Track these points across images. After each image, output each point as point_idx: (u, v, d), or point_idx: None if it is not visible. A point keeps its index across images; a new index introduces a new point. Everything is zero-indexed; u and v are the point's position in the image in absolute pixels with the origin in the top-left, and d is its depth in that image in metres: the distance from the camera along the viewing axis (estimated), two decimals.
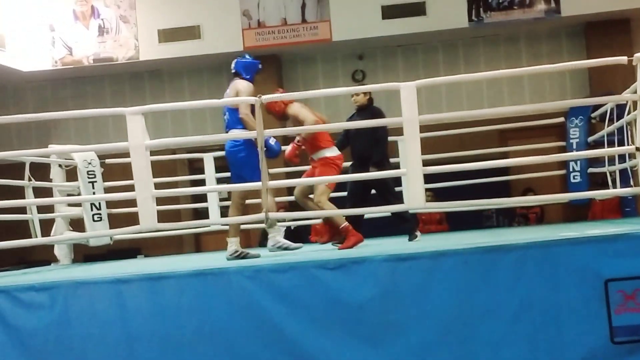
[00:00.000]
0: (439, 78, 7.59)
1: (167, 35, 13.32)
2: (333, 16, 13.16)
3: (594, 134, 10.24)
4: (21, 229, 8.93)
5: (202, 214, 11.11)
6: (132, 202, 6.74)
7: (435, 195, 10.40)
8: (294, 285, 5.50)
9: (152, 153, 6.72)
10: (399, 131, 6.67)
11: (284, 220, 10.18)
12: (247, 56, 7.56)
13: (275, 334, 5.47)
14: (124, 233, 7.60)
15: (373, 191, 8.33)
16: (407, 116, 6.26)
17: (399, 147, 9.80)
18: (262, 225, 8.65)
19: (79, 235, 9.25)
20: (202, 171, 10.65)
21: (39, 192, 9.17)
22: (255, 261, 6.36)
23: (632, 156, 7.64)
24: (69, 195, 9.68)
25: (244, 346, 5.49)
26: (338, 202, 7.83)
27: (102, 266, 8.42)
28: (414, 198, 6.37)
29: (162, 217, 6.82)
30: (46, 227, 9.42)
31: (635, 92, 6.54)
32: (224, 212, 10.34)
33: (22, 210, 9.00)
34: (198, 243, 13.90)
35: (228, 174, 9.50)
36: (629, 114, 7.81)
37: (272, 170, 6.91)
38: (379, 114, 8.03)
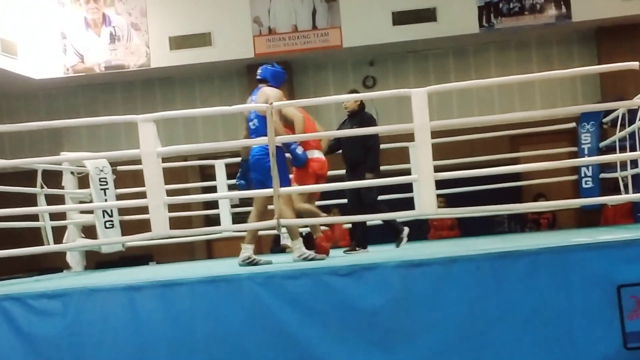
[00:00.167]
0: (449, 84, 7.57)
1: (178, 42, 13.36)
2: (344, 22, 13.18)
3: (605, 140, 10.21)
4: (33, 236, 8.95)
5: (214, 220, 11.11)
6: (143, 209, 6.75)
7: (446, 201, 10.39)
8: (306, 291, 5.49)
9: (164, 160, 6.73)
10: (410, 137, 6.66)
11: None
12: (275, 65, 7.56)
13: (287, 340, 5.47)
14: (136, 240, 7.59)
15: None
16: (418, 122, 6.25)
17: (410, 153, 9.78)
18: (274, 232, 8.65)
19: (91, 242, 9.27)
20: (213, 178, 10.65)
21: (51, 200, 9.19)
22: (267, 268, 6.35)
23: None
24: (81, 202, 9.69)
25: (256, 352, 5.49)
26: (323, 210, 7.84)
27: (114, 273, 8.43)
28: (426, 204, 6.36)
29: (174, 223, 6.83)
30: (58, 234, 9.44)
31: None
32: (235, 218, 10.36)
33: (34, 217, 9.03)
34: (210, 249, 13.92)
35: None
36: None
37: None
38: (369, 120, 8.01)
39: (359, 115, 8.10)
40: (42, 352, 5.67)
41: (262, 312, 5.51)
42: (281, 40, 13.30)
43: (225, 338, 5.53)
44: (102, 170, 9.51)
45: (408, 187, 9.12)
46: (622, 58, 7.93)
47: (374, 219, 7.73)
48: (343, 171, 8.37)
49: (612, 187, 10.08)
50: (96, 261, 11.40)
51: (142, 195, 6.70)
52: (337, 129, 8.28)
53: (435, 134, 6.47)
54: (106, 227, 9.42)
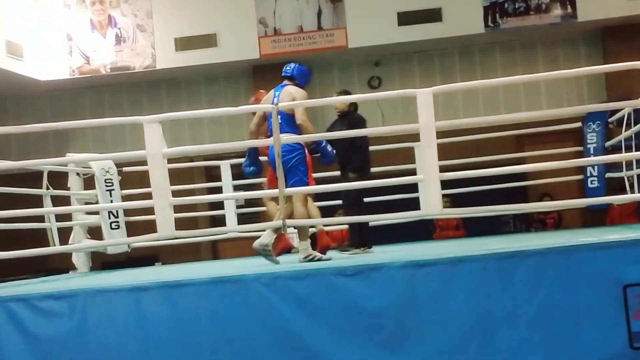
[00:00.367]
0: (455, 84, 7.56)
1: (184, 43, 13.38)
2: (349, 23, 13.18)
3: (611, 139, 10.20)
4: (39, 238, 8.96)
5: (219, 221, 11.12)
6: (149, 210, 6.76)
7: (452, 201, 10.38)
8: (312, 292, 5.49)
9: (169, 161, 6.74)
10: (415, 137, 6.66)
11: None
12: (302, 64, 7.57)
13: (293, 341, 5.47)
14: (142, 241, 7.61)
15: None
16: (424, 123, 6.24)
17: (416, 154, 9.78)
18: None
19: (96, 243, 9.28)
20: (219, 179, 10.67)
21: (57, 201, 9.20)
22: (273, 268, 6.35)
23: None
24: (86, 203, 9.71)
25: (262, 353, 5.49)
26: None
27: (120, 274, 8.44)
28: (432, 204, 6.36)
29: (180, 224, 6.83)
30: (64, 235, 9.46)
31: None
32: (241, 219, 10.38)
33: (40, 218, 9.04)
34: (215, 250, 13.93)
35: (244, 182, 9.57)
36: None
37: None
38: (357, 122, 7.99)
39: (349, 116, 8.07)
40: (48, 353, 5.67)
41: (268, 312, 5.51)
42: (286, 41, 13.31)
43: (231, 339, 5.53)
44: (107, 172, 9.52)
45: (414, 187, 9.12)
46: (628, 58, 7.94)
47: (376, 219, 7.72)
48: None
49: (617, 187, 10.08)
50: (102, 262, 11.42)
51: (148, 196, 6.71)
52: (327, 130, 8.25)
53: (440, 134, 6.47)
54: (112, 228, 9.43)
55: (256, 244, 6.97)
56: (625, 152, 9.13)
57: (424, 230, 11.45)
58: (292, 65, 7.45)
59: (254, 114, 7.54)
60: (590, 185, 10.35)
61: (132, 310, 5.64)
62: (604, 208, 11.19)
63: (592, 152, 10.31)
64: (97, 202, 9.54)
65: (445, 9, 12.98)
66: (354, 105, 8.15)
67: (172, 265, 10.41)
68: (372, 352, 5.40)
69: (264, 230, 7.19)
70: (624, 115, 9.39)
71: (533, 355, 5.27)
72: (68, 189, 9.66)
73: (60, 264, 11.40)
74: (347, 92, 8.38)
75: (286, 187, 6.81)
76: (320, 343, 5.44)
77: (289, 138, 6.95)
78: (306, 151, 7.19)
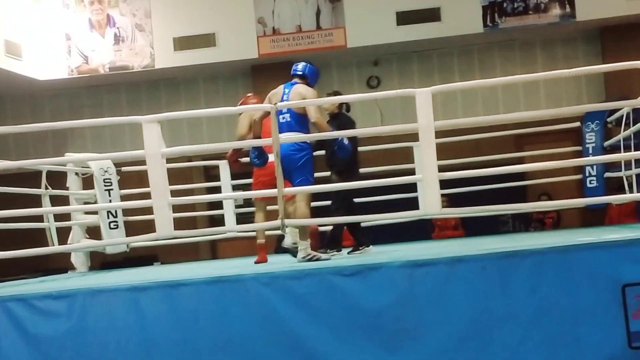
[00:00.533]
0: (454, 84, 7.55)
1: (183, 43, 13.37)
2: (348, 23, 13.18)
3: (610, 139, 10.20)
4: (38, 237, 8.96)
5: (218, 221, 11.12)
6: (148, 210, 6.75)
7: (449, 200, 10.38)
8: (311, 291, 5.49)
9: (168, 160, 6.74)
10: (414, 137, 6.66)
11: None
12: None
13: (292, 341, 5.47)
14: (141, 240, 7.60)
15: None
16: (423, 122, 6.24)
17: (415, 153, 9.78)
18: (278, 232, 8.65)
19: (95, 243, 9.28)
20: (217, 178, 10.66)
21: (55, 201, 9.20)
22: (272, 268, 6.35)
23: None
24: (85, 203, 9.71)
25: (261, 353, 5.49)
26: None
27: (119, 274, 8.44)
28: (430, 204, 6.36)
29: (178, 224, 6.83)
30: (63, 235, 9.45)
31: None
32: (240, 219, 10.37)
33: (39, 218, 9.04)
34: (214, 250, 13.93)
35: (243, 181, 9.56)
36: None
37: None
38: (346, 124, 7.96)
39: (338, 118, 8.06)
40: (47, 353, 5.68)
41: (267, 312, 5.52)
42: (285, 41, 13.30)
43: (231, 338, 5.53)
44: (106, 171, 9.51)
45: (413, 187, 9.11)
46: (627, 57, 7.93)
47: (375, 219, 7.72)
48: None
49: (616, 187, 10.08)
50: (101, 262, 11.42)
51: (147, 195, 6.71)
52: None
53: (439, 133, 6.47)
54: (111, 228, 9.43)
55: (299, 258, 7.01)
56: (624, 151, 9.13)
57: (423, 230, 11.45)
58: (304, 64, 7.45)
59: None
60: (589, 185, 10.35)
61: (131, 310, 5.64)
62: (602, 208, 11.19)
63: (590, 151, 10.31)
64: (95, 202, 9.54)
65: (444, 8, 12.97)
66: (344, 106, 8.13)
67: (171, 265, 10.40)
68: (371, 351, 5.40)
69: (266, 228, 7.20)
70: (622, 115, 9.39)
71: (532, 355, 5.28)
72: (67, 188, 9.66)
73: (59, 264, 11.40)
74: (338, 93, 8.37)
75: (292, 186, 6.85)
76: (320, 343, 5.44)
77: (298, 137, 6.97)
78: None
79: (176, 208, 6.90)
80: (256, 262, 7.74)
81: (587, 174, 10.36)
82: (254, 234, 8.73)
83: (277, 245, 11.75)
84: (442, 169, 6.33)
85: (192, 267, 8.76)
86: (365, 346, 5.40)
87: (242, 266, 7.19)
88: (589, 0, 12.76)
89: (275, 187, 7.28)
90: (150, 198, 6.57)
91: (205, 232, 10.04)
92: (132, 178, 9.86)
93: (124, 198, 9.77)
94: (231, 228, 9.66)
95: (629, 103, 8.26)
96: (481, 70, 13.84)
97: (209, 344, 5.55)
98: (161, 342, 5.58)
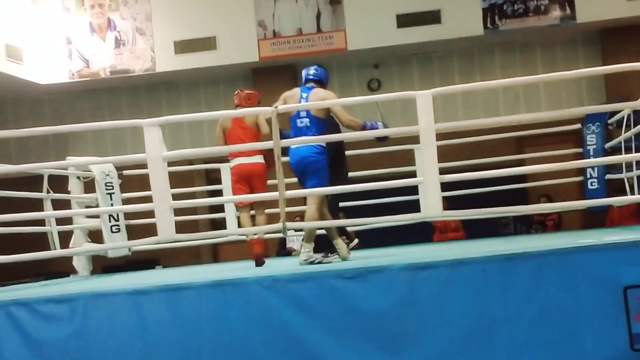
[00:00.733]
0: (454, 86, 7.58)
1: (183, 46, 13.39)
2: (348, 25, 13.19)
3: (611, 141, 10.20)
4: (40, 241, 8.96)
5: (220, 224, 11.12)
6: (150, 213, 6.75)
7: (451, 202, 10.39)
8: (312, 294, 5.50)
9: (170, 164, 6.74)
10: (415, 139, 6.67)
11: (301, 230, 10.17)
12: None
13: (293, 344, 5.47)
14: (143, 244, 7.61)
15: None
16: (424, 125, 6.25)
17: (416, 156, 9.78)
18: (280, 235, 8.67)
19: (97, 246, 9.28)
20: (219, 181, 10.66)
21: (57, 204, 9.21)
22: (273, 271, 6.36)
23: None
24: (87, 207, 9.71)
25: (262, 356, 5.49)
26: None
27: (121, 277, 8.45)
28: (431, 206, 6.36)
29: (180, 227, 6.83)
30: (65, 238, 9.46)
31: None
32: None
33: (40, 222, 9.05)
34: (216, 253, 13.94)
35: None
36: None
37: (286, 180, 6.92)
38: (331, 127, 7.95)
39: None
40: (49, 357, 5.68)
41: (268, 315, 5.52)
42: (286, 44, 13.32)
43: (232, 342, 5.53)
44: (108, 175, 9.52)
45: (414, 190, 9.12)
46: (627, 59, 7.94)
47: (376, 221, 7.71)
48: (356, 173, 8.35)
49: (617, 188, 10.07)
50: (102, 265, 11.41)
51: (148, 199, 6.71)
52: None
53: (440, 136, 6.48)
54: (112, 232, 9.43)
55: (301, 261, 7.03)
56: (625, 153, 9.14)
57: (423, 233, 11.44)
58: (318, 68, 7.45)
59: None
60: (590, 187, 10.35)
61: (133, 314, 5.65)
62: (603, 210, 11.19)
63: (591, 153, 10.31)
64: (97, 206, 9.54)
65: (444, 11, 12.98)
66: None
67: (173, 268, 10.41)
68: (372, 354, 5.40)
69: (264, 233, 7.20)
70: (623, 117, 9.39)
71: (533, 358, 5.28)
72: (68, 192, 9.67)
73: (61, 268, 11.39)
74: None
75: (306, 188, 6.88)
76: (321, 346, 5.44)
77: (317, 138, 6.99)
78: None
79: (178, 211, 6.92)
80: (256, 260, 7.75)
81: (588, 176, 10.36)
82: (253, 236, 8.73)
83: (278, 249, 11.78)
84: (442, 171, 6.34)
85: (193, 270, 8.76)
86: (366, 349, 5.40)
87: (243, 269, 7.20)
88: (589, 2, 12.77)
89: (251, 192, 7.36)
90: (151, 201, 6.58)
91: (207, 236, 10.03)
92: (134, 181, 9.87)
93: (125, 201, 9.77)
94: (233, 231, 9.66)
95: (630, 105, 8.26)
96: (481, 72, 13.86)
97: (211, 347, 5.55)
98: (163, 346, 5.59)
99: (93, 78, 13.68)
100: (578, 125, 10.58)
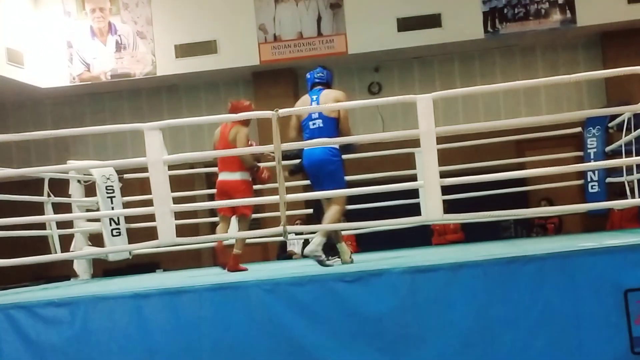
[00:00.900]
0: (455, 90, 7.60)
1: (184, 50, 13.39)
2: (349, 29, 13.20)
3: (611, 144, 10.20)
4: (40, 245, 8.97)
5: None
6: (150, 217, 6.76)
7: (451, 206, 10.38)
8: (313, 298, 5.50)
9: (170, 167, 6.74)
10: (416, 143, 6.67)
11: (302, 233, 10.18)
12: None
13: (294, 347, 5.47)
14: (143, 247, 7.60)
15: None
16: (424, 128, 6.25)
17: (416, 159, 9.78)
18: (281, 238, 8.66)
19: (98, 250, 9.28)
20: None
21: (58, 208, 9.21)
22: (274, 274, 6.35)
23: None
24: (87, 210, 9.71)
25: (263, 359, 5.50)
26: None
27: (121, 281, 8.44)
28: (432, 210, 6.36)
29: (181, 231, 6.84)
30: (65, 242, 9.46)
31: None
32: None
33: (41, 226, 9.05)
34: (216, 257, 13.90)
35: None
36: None
37: (287, 184, 6.92)
38: None
39: None
40: None
41: (269, 318, 5.52)
42: (286, 48, 13.32)
43: (233, 345, 5.53)
44: (108, 179, 9.53)
45: (414, 193, 9.11)
46: (628, 62, 7.94)
47: (377, 225, 7.72)
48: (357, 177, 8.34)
49: (618, 192, 10.07)
50: (103, 269, 11.41)
51: (149, 203, 6.72)
52: None
53: (440, 139, 6.48)
54: (113, 235, 9.44)
55: (307, 250, 6.97)
56: (626, 156, 9.13)
57: (422, 235, 11.43)
58: (322, 70, 7.51)
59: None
60: (590, 190, 10.34)
61: (134, 318, 5.65)
62: (604, 213, 11.18)
63: (592, 157, 10.30)
64: (98, 209, 9.54)
65: (445, 14, 12.99)
66: None
67: (174, 271, 10.40)
68: (373, 358, 5.40)
69: (264, 237, 7.20)
70: (624, 120, 9.39)
71: None
72: (69, 196, 9.67)
73: (62, 271, 11.40)
74: None
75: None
76: (321, 349, 5.44)
77: (332, 140, 7.03)
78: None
79: (178, 215, 6.91)
80: (223, 266, 7.82)
81: (588, 179, 10.35)
82: (253, 240, 8.74)
83: (279, 252, 11.78)
84: (443, 174, 6.34)
85: (194, 273, 8.76)
86: (367, 352, 5.40)
87: (244, 273, 7.20)
88: (589, 6, 12.77)
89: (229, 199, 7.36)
90: (152, 205, 6.58)
91: (208, 239, 10.02)
92: (134, 185, 9.87)
93: (126, 205, 9.77)
94: (233, 235, 9.65)
95: (630, 108, 8.28)
96: (482, 76, 13.86)
97: (211, 350, 5.55)
98: (163, 349, 5.59)
99: (94, 82, 13.69)
100: (578, 129, 10.58)
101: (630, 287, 5.21)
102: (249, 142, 7.92)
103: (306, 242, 10.85)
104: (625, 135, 9.21)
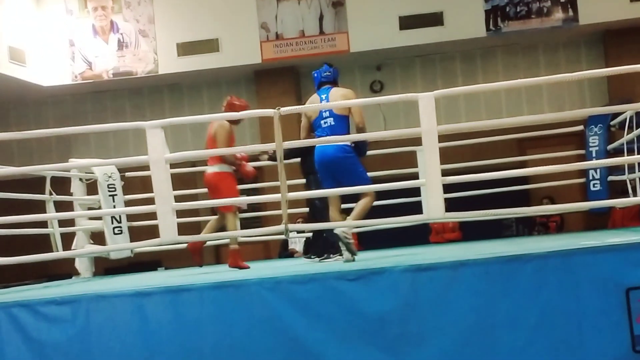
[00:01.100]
0: (457, 88, 7.59)
1: (186, 48, 13.39)
2: (351, 27, 13.19)
3: (613, 142, 10.20)
4: (42, 243, 8.97)
5: (222, 226, 11.10)
6: (152, 215, 6.77)
7: (451, 204, 10.36)
8: (314, 296, 5.50)
9: (172, 166, 6.75)
10: (417, 141, 6.67)
11: (304, 231, 10.18)
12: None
13: (295, 345, 5.48)
14: (145, 246, 7.62)
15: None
16: (426, 127, 6.26)
17: (418, 157, 9.78)
18: (282, 237, 8.66)
19: (99, 248, 9.30)
20: None
21: (59, 206, 9.21)
22: (275, 272, 6.35)
23: None
24: (89, 208, 9.72)
25: (264, 357, 5.50)
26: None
27: (123, 279, 8.45)
28: (434, 208, 6.36)
29: (182, 229, 6.84)
30: (67, 240, 9.46)
31: None
32: (244, 224, 10.36)
33: (43, 224, 9.06)
34: (218, 255, 13.92)
35: (245, 186, 9.56)
36: None
37: (289, 182, 6.91)
38: None
39: None
40: (51, 359, 5.68)
41: (270, 317, 5.52)
42: (288, 46, 13.32)
43: (234, 343, 5.54)
44: (110, 177, 9.53)
45: (416, 191, 9.11)
46: (630, 60, 7.92)
47: (378, 223, 7.72)
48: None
49: (620, 190, 10.07)
50: (105, 267, 11.42)
51: (151, 201, 6.72)
52: None
53: (442, 137, 6.48)
54: (115, 233, 9.45)
55: (340, 231, 6.95)
56: (628, 155, 9.14)
57: (420, 234, 11.40)
58: (329, 68, 7.56)
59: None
60: (592, 189, 10.35)
61: (135, 316, 5.65)
62: (606, 211, 11.18)
63: (594, 155, 10.31)
64: (99, 208, 9.55)
65: (447, 12, 12.98)
66: None
67: (175, 269, 10.41)
68: (374, 356, 5.40)
69: (266, 235, 7.20)
70: (625, 118, 9.39)
71: (536, 359, 5.27)
72: (71, 194, 9.68)
73: (63, 270, 11.41)
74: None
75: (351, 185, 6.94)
76: (323, 347, 5.44)
77: (342, 137, 7.04)
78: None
79: (180, 213, 6.91)
80: (228, 264, 7.95)
81: (590, 178, 10.36)
82: (256, 239, 8.73)
83: (280, 250, 11.78)
84: (445, 173, 6.34)
85: (196, 272, 8.77)
86: (368, 351, 5.40)
87: (246, 271, 7.20)
88: (591, 4, 12.76)
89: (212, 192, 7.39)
90: (154, 203, 6.59)
91: (209, 237, 10.04)
92: (136, 183, 9.88)
93: (128, 203, 9.78)
94: (235, 233, 9.65)
95: (632, 106, 8.26)
96: (484, 74, 13.85)
97: (213, 348, 5.55)
98: (165, 347, 5.59)
99: (96, 80, 13.69)
100: (580, 127, 10.58)
101: (632, 286, 5.21)
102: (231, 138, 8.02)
103: (308, 241, 10.88)
104: (627, 134, 9.22)
